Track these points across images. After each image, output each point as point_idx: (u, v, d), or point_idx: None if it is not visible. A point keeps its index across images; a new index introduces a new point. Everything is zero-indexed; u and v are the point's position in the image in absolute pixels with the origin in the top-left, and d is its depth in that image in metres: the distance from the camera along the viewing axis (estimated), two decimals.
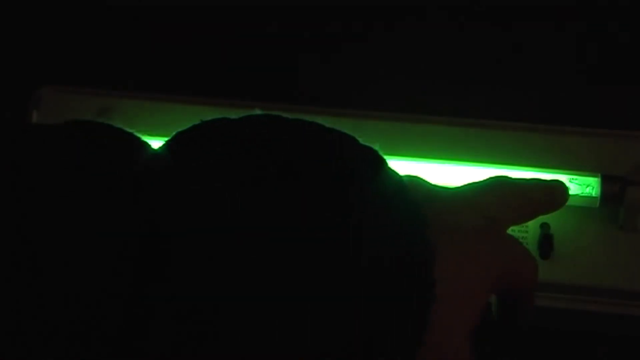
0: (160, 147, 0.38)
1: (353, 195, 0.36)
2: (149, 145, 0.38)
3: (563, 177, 0.59)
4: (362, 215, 0.36)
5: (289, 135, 0.38)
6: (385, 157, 0.55)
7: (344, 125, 0.62)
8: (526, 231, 0.59)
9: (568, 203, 0.58)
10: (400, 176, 0.39)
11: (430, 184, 0.44)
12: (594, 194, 0.58)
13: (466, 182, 0.45)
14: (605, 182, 0.58)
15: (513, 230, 0.59)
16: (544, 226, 0.58)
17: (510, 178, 0.46)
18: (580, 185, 0.59)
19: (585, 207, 0.59)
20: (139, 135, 0.39)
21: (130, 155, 0.37)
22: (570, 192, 0.59)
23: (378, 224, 0.36)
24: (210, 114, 0.62)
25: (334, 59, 0.71)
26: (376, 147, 0.40)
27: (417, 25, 0.72)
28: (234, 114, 0.63)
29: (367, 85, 0.70)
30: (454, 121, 0.63)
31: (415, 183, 0.42)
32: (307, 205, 0.36)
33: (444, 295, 0.37)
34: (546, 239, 0.58)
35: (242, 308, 0.34)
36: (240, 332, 0.33)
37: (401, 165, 0.60)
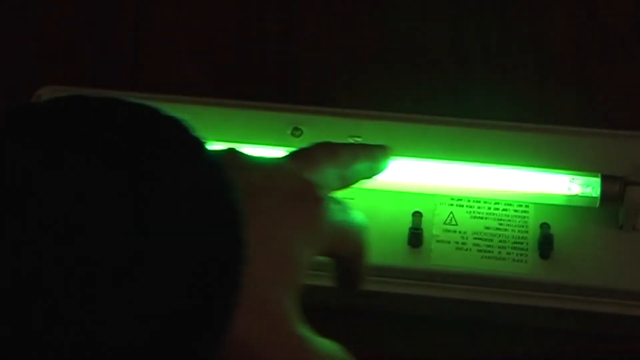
0: None
1: (148, 168, 0.36)
2: None
3: (563, 177, 0.59)
4: (153, 181, 0.36)
5: (93, 112, 0.38)
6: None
7: (344, 125, 0.62)
8: (526, 231, 0.59)
9: (568, 203, 0.59)
10: (202, 145, 0.39)
11: (250, 155, 0.44)
12: (594, 194, 0.58)
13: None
14: (605, 182, 0.58)
15: (513, 231, 0.59)
16: (544, 226, 0.58)
17: (332, 142, 0.48)
18: (581, 185, 0.59)
19: (585, 207, 0.59)
20: None
21: None
22: (571, 192, 0.59)
23: (174, 189, 0.36)
24: (210, 114, 0.63)
25: (334, 58, 0.71)
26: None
27: (417, 24, 0.72)
28: (234, 114, 0.63)
29: (366, 83, 0.70)
30: (454, 121, 0.63)
31: (230, 155, 0.43)
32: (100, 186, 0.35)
33: (257, 257, 0.38)
34: (546, 239, 0.58)
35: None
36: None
37: (401, 165, 0.60)
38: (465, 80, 0.70)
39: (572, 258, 0.58)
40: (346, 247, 0.46)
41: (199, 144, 0.39)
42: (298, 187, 0.43)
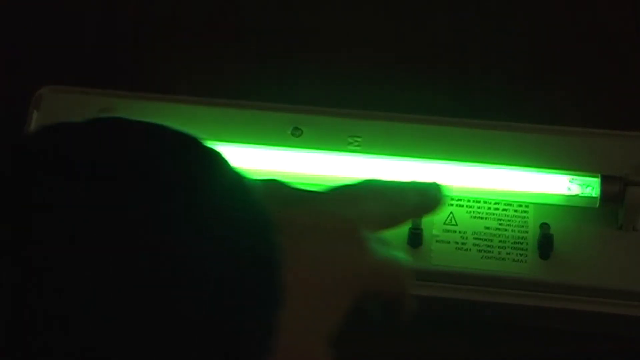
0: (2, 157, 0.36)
1: (179, 201, 0.34)
2: None
3: (563, 177, 0.59)
4: (194, 223, 0.34)
5: (127, 139, 0.36)
6: (385, 157, 0.55)
7: (344, 125, 0.62)
8: (526, 231, 0.59)
9: (568, 203, 0.59)
10: (245, 179, 0.37)
11: (290, 187, 0.42)
12: (594, 194, 0.58)
13: (334, 186, 0.44)
14: (605, 182, 0.58)
15: (513, 231, 0.59)
16: (544, 226, 0.58)
17: (377, 180, 0.46)
18: (580, 185, 0.59)
19: (585, 207, 0.59)
20: None
21: None
22: (570, 192, 0.59)
23: (212, 228, 0.34)
24: (210, 114, 0.63)
25: (334, 58, 0.71)
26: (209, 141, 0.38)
27: (418, 24, 0.72)
28: (234, 114, 0.63)
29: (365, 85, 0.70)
30: (454, 121, 0.63)
31: (271, 187, 0.41)
32: (125, 214, 0.33)
33: (294, 301, 0.36)
34: (546, 239, 0.58)
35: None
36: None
37: (401, 166, 0.60)
38: (466, 80, 0.70)
39: (572, 258, 0.58)
40: (386, 290, 0.44)
41: (241, 178, 0.37)
42: (342, 228, 0.41)
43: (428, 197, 0.49)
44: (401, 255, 0.44)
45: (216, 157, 0.37)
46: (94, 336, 0.31)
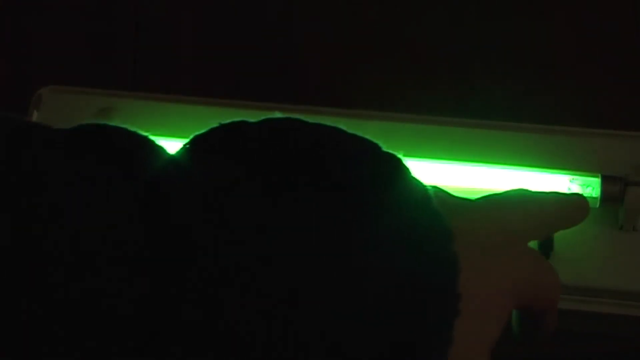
0: (177, 151, 0.38)
1: (372, 205, 0.36)
2: (164, 150, 0.38)
3: (563, 177, 0.59)
4: (381, 227, 0.36)
5: (308, 140, 0.38)
6: None
7: (344, 125, 0.62)
8: None
9: None
10: (425, 186, 0.39)
11: (452, 196, 0.43)
12: (594, 194, 0.58)
13: (486, 195, 0.45)
14: (605, 182, 0.58)
15: None
16: None
17: (530, 191, 0.46)
18: (581, 185, 0.59)
19: None
20: (152, 138, 0.38)
21: (144, 161, 0.37)
22: (571, 192, 0.59)
23: (400, 236, 0.36)
24: (210, 114, 0.63)
25: (334, 58, 0.71)
26: (400, 154, 0.39)
27: (418, 24, 0.72)
28: (233, 114, 0.63)
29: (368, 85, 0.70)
30: (454, 121, 0.63)
31: (438, 195, 0.42)
32: (323, 215, 0.35)
33: (466, 310, 0.37)
34: (546, 239, 0.58)
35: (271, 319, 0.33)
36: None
37: None
38: (466, 80, 0.70)
39: (572, 258, 0.58)
40: (538, 303, 0.44)
41: (421, 183, 0.38)
42: (501, 238, 0.42)
43: (576, 209, 0.50)
44: (553, 270, 0.44)
45: (398, 163, 0.39)
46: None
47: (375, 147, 0.39)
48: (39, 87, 0.65)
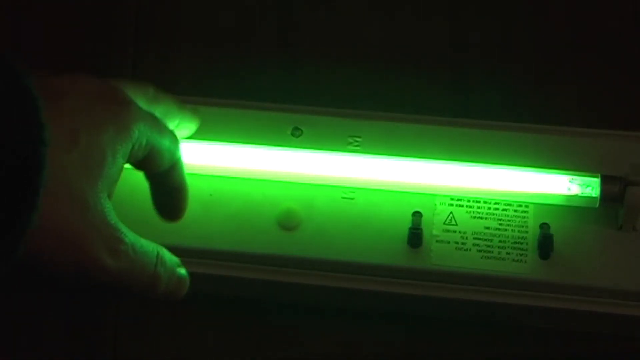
0: None
1: None
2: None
3: (563, 177, 0.59)
4: None
5: None
6: (385, 157, 0.55)
7: (344, 125, 0.63)
8: (526, 231, 0.59)
9: (568, 203, 0.59)
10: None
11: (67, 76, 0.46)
12: (594, 194, 0.58)
13: None
14: (605, 182, 0.58)
15: (513, 231, 0.59)
16: (544, 226, 0.58)
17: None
18: (580, 185, 0.59)
19: (585, 207, 0.59)
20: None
21: None
22: (570, 192, 0.59)
23: None
24: (210, 114, 0.63)
25: (334, 58, 0.71)
26: None
27: (418, 24, 0.72)
28: (234, 114, 0.63)
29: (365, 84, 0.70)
30: (454, 121, 0.63)
31: (40, 73, 0.43)
32: None
33: (61, 144, 0.40)
34: (546, 239, 0.58)
35: None
36: None
37: (401, 166, 0.60)
38: (465, 80, 0.70)
39: (571, 258, 0.58)
40: (158, 158, 0.48)
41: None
42: (105, 90, 0.45)
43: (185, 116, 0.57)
44: (169, 131, 0.50)
45: None
46: None
47: None
48: None
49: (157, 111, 0.52)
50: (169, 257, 0.48)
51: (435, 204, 0.60)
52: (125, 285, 0.44)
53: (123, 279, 0.43)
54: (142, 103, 0.50)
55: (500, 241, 0.59)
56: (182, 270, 0.49)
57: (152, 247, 0.46)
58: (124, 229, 0.44)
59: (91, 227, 0.41)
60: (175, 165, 0.51)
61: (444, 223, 0.59)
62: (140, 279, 0.45)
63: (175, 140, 0.51)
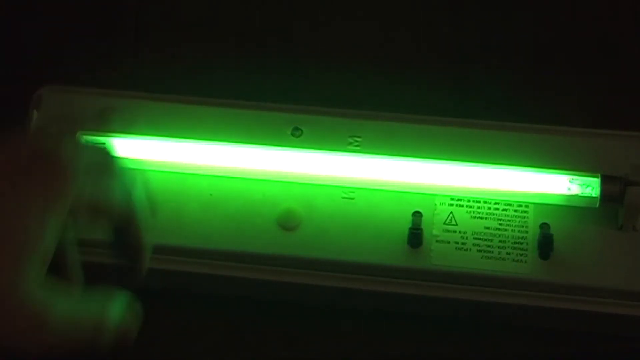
0: None
1: None
2: None
3: (563, 177, 0.59)
4: None
5: None
6: (385, 157, 0.55)
7: (344, 125, 0.63)
8: (526, 231, 0.59)
9: (568, 203, 0.59)
10: None
11: None
12: (594, 194, 0.58)
13: None
14: (605, 182, 0.58)
15: (513, 231, 0.59)
16: (544, 226, 0.58)
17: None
18: (580, 185, 0.59)
19: (585, 207, 0.59)
20: None
21: None
22: (570, 192, 0.59)
23: None
24: (210, 114, 0.63)
25: (334, 58, 0.71)
26: None
27: (418, 24, 0.72)
28: (234, 114, 0.63)
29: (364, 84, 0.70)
30: (454, 121, 0.63)
31: None
32: None
33: None
34: (546, 239, 0.58)
35: None
36: None
37: (401, 166, 0.60)
38: (465, 80, 0.70)
39: (571, 258, 0.58)
40: (111, 214, 0.44)
41: None
42: (34, 158, 0.42)
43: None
44: (124, 175, 0.44)
45: None
46: None
47: None
48: (39, 87, 0.65)
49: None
50: (116, 309, 0.44)
51: (435, 204, 0.60)
52: (67, 348, 0.41)
53: (57, 349, 0.41)
54: (88, 153, 0.44)
55: (500, 241, 0.59)
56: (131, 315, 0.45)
57: (93, 306, 0.43)
58: (52, 301, 0.41)
59: (13, 317, 0.40)
60: (131, 222, 0.45)
61: (444, 223, 0.59)
62: (79, 342, 0.42)
63: (128, 187, 0.45)
